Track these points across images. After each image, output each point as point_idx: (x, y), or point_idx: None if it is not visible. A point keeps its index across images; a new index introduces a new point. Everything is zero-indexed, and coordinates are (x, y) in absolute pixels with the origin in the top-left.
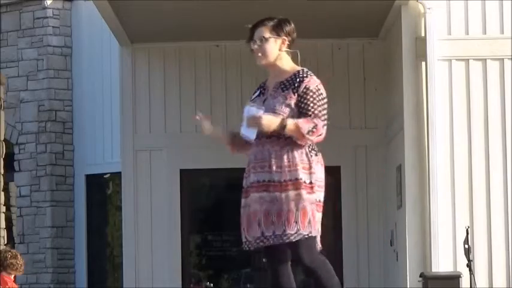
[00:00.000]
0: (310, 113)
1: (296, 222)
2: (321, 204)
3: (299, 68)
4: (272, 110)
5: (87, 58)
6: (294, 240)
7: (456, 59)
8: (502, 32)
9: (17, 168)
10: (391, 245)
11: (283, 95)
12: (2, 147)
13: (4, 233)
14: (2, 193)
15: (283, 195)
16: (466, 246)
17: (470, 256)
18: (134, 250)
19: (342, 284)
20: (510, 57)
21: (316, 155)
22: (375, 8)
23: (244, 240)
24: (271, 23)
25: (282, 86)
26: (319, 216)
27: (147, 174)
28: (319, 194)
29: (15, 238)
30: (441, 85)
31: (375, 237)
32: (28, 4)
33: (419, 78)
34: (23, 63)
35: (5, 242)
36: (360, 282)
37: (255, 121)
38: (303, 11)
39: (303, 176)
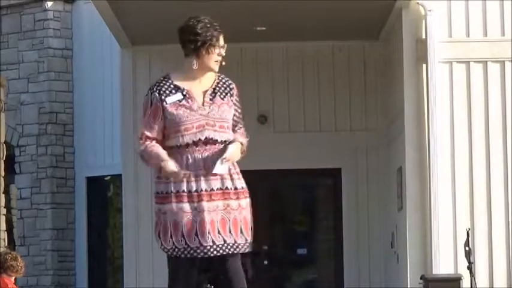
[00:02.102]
0: (239, 123)
1: (247, 231)
2: None
3: (215, 73)
4: (221, 120)
5: (87, 60)
6: (247, 250)
7: (457, 61)
8: (503, 34)
9: (17, 170)
10: (391, 247)
11: (224, 103)
12: (3, 149)
13: (5, 235)
14: (3, 195)
15: (239, 203)
16: (467, 248)
17: (471, 258)
18: (135, 252)
19: (343, 285)
20: (511, 59)
21: None
22: (375, 10)
23: (180, 247)
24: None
25: (219, 94)
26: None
27: (148, 176)
28: None
29: (15, 240)
30: (442, 87)
31: (375, 239)
32: (29, 6)
33: (419, 80)
34: (23, 65)
35: (6, 244)
36: (361, 284)
37: (233, 159)
38: (304, 13)
39: (244, 183)
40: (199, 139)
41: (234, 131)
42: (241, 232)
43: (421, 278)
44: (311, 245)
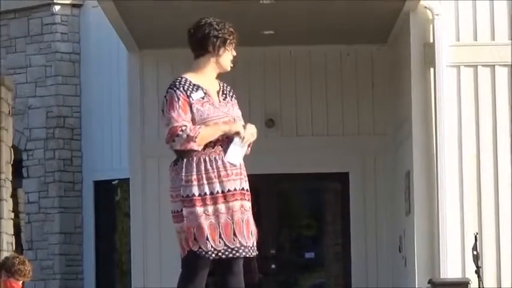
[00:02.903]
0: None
1: (253, 234)
2: None
3: None
4: (238, 118)
5: (95, 64)
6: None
7: (464, 65)
8: (511, 38)
9: (25, 174)
10: (399, 251)
11: (234, 104)
12: (11, 153)
13: (12, 239)
14: (10, 199)
15: (249, 205)
16: (475, 252)
17: (479, 262)
18: (142, 256)
19: None
20: None
21: None
22: (383, 14)
23: (210, 248)
24: None
25: (230, 94)
26: None
27: (156, 180)
28: None
29: (23, 244)
30: (449, 91)
31: (383, 243)
32: (36, 10)
33: (427, 84)
34: (31, 69)
35: (13, 248)
36: None
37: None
38: (311, 17)
39: None
40: (227, 136)
41: None
42: (251, 234)
43: (428, 282)
44: (319, 249)
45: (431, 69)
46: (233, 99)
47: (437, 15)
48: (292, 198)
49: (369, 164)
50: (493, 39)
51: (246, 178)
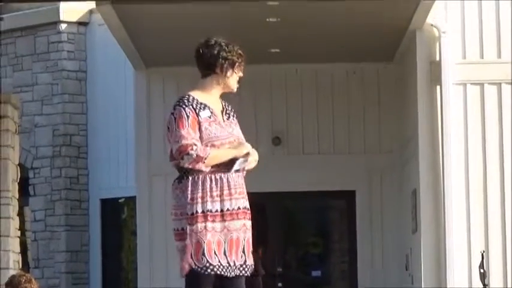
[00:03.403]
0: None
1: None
2: None
3: None
4: (241, 138)
5: (102, 82)
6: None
7: (471, 83)
8: None
9: (31, 192)
10: (406, 269)
11: (235, 122)
12: (17, 171)
13: (19, 257)
14: (17, 217)
15: (250, 223)
16: (482, 270)
17: (486, 281)
18: (149, 274)
19: None
20: None
21: None
22: (389, 32)
23: (206, 264)
24: None
25: (232, 114)
26: None
27: (162, 198)
28: None
29: (30, 263)
30: (456, 109)
31: (390, 261)
32: (43, 29)
33: (434, 102)
34: (37, 87)
35: (20, 267)
36: None
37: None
38: (318, 35)
39: None
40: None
41: None
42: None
43: None
44: (325, 267)
45: (438, 87)
46: (234, 118)
47: (443, 33)
48: (298, 216)
49: (375, 182)
50: (499, 57)
51: (246, 197)
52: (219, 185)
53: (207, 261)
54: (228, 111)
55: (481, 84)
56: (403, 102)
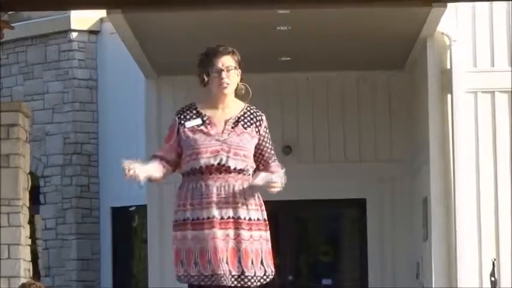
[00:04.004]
0: (273, 155)
1: (264, 264)
2: None
3: (244, 103)
4: (237, 148)
5: (112, 91)
6: (254, 284)
7: (482, 91)
8: None
9: (42, 201)
10: (417, 278)
11: (246, 132)
12: (28, 180)
13: (30, 265)
14: (28, 226)
15: (251, 234)
16: (493, 278)
17: None
18: (160, 283)
19: None
20: None
21: None
22: (400, 40)
23: (194, 273)
24: (236, 53)
25: (242, 123)
26: None
27: (172, 207)
28: None
29: (40, 271)
30: (467, 117)
31: (401, 270)
32: (54, 37)
33: (444, 110)
34: (48, 96)
35: (31, 275)
36: None
37: (277, 185)
38: (328, 43)
39: (265, 215)
40: (212, 164)
41: (268, 164)
42: (252, 263)
43: None
44: (336, 276)
45: (449, 95)
46: (251, 128)
47: (454, 41)
48: (309, 225)
49: (386, 190)
50: (510, 65)
51: (257, 208)
52: (196, 194)
53: (180, 269)
54: (240, 120)
55: (492, 93)
56: (414, 110)
